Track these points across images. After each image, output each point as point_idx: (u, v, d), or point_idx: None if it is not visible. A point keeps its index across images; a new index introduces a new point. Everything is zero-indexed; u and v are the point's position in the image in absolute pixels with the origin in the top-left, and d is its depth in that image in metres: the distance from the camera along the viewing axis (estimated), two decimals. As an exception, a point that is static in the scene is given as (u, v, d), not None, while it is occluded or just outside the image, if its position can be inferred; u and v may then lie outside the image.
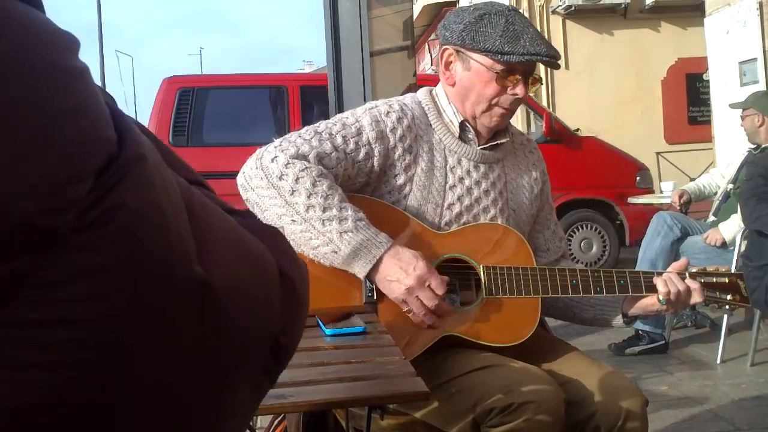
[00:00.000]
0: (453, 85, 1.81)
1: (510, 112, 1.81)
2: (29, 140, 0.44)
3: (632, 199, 5.42)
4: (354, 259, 1.60)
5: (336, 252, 1.60)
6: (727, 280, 1.84)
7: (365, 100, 3.25)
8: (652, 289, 1.75)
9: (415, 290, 1.60)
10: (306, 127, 1.75)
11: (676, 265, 1.83)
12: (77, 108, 0.47)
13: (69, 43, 0.49)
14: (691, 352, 4.33)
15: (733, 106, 4.63)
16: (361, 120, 1.74)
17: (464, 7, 1.82)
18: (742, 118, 4.46)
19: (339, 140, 1.70)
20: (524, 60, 1.72)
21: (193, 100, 6.96)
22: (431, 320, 1.64)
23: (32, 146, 0.44)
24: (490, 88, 1.75)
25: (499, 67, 1.73)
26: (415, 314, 1.63)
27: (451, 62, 1.81)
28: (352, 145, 1.71)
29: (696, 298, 1.77)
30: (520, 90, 1.76)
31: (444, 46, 1.82)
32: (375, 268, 1.61)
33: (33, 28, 0.47)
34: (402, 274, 1.60)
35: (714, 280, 1.83)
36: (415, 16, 10.13)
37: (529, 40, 1.71)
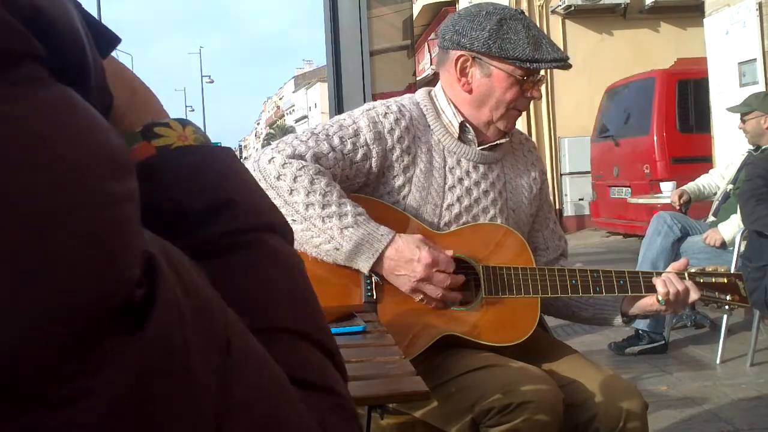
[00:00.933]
0: (469, 91, 1.80)
1: (521, 113, 1.85)
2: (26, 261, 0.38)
3: (632, 199, 5.41)
4: (356, 254, 1.60)
5: (338, 249, 1.60)
6: (725, 281, 1.84)
7: (365, 100, 3.25)
8: (651, 289, 1.76)
9: (428, 278, 1.62)
10: (303, 129, 1.76)
11: (675, 265, 1.83)
12: (89, 240, 0.41)
13: (114, 163, 0.45)
14: (691, 352, 4.33)
15: (732, 109, 4.60)
16: (358, 121, 1.74)
17: (472, 11, 1.79)
18: (744, 120, 4.44)
19: (336, 141, 1.70)
20: (551, 66, 1.76)
21: (691, 91, 7.51)
22: (451, 297, 1.66)
23: (29, 270, 0.38)
24: (510, 92, 1.77)
25: (519, 72, 1.74)
26: (432, 299, 1.65)
27: (466, 68, 1.79)
28: (349, 146, 1.70)
29: (694, 296, 1.77)
30: (536, 92, 1.81)
31: (458, 53, 1.78)
32: (379, 262, 1.62)
33: (74, 131, 0.43)
34: (408, 267, 1.61)
35: (713, 280, 1.83)
36: (414, 16, 10.14)
37: (548, 45, 1.75)
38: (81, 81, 0.48)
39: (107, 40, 0.56)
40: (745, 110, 4.42)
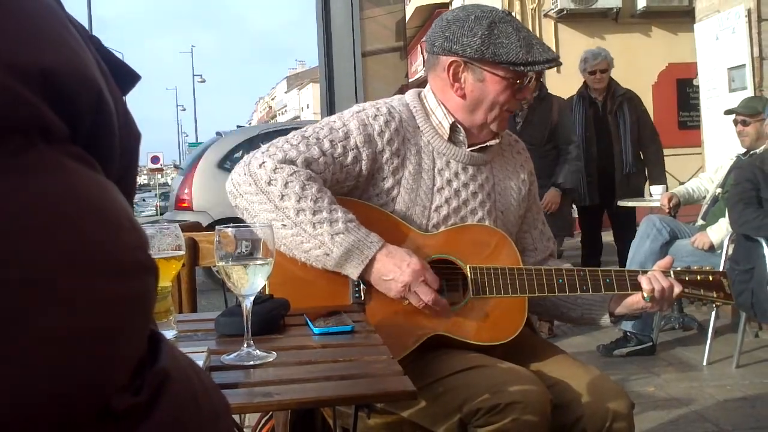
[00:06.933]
0: (463, 96, 1.80)
1: (512, 114, 1.86)
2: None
3: (622, 202, 5.43)
4: (346, 260, 1.60)
5: (328, 254, 1.60)
6: (710, 278, 1.86)
7: (357, 101, 3.25)
8: (638, 287, 1.77)
9: (412, 286, 1.61)
10: (293, 132, 1.75)
11: (660, 264, 1.85)
12: (52, 342, 0.41)
13: (112, 264, 0.45)
14: (678, 354, 4.35)
15: (730, 111, 4.58)
16: (348, 124, 1.74)
17: (460, 16, 1.78)
18: (747, 123, 4.42)
19: (326, 145, 1.70)
20: (545, 68, 1.76)
21: None
22: (431, 311, 1.65)
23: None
24: (503, 95, 1.77)
25: (512, 75, 1.75)
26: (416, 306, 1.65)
27: (458, 73, 1.79)
28: (339, 150, 1.71)
29: (677, 291, 1.78)
30: (528, 93, 1.81)
31: (450, 59, 1.78)
32: (368, 268, 1.62)
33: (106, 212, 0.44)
34: (397, 271, 1.61)
35: (698, 278, 1.85)
36: (407, 17, 10.12)
37: (539, 46, 1.75)
38: (98, 132, 0.48)
39: (127, 76, 0.56)
40: (748, 111, 4.39)
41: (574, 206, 5.59)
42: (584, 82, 5.56)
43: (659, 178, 5.52)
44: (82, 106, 0.46)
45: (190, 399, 0.50)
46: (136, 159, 0.56)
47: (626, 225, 5.56)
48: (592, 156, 5.30)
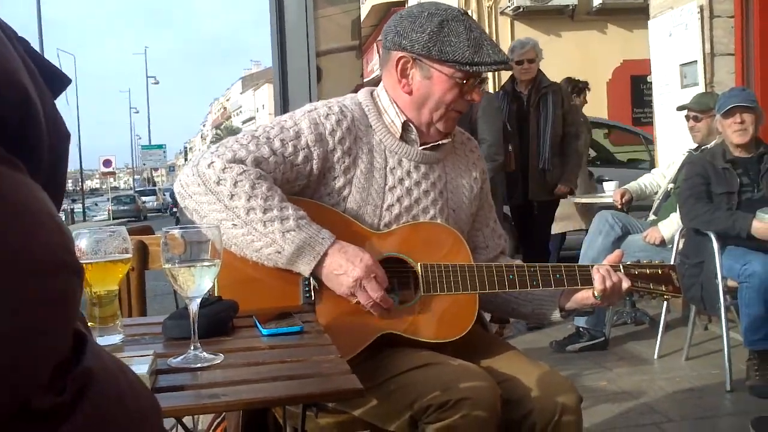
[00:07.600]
0: (410, 93, 1.80)
1: (461, 114, 1.86)
2: None
3: (574, 198, 5.49)
4: (298, 257, 1.60)
5: (280, 252, 1.60)
6: (660, 272, 1.89)
7: (311, 100, 3.25)
8: (588, 282, 1.79)
9: (362, 281, 1.61)
10: (243, 132, 1.74)
11: (610, 258, 1.87)
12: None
13: (32, 264, 0.45)
14: (630, 348, 4.43)
15: (682, 107, 4.65)
16: (299, 123, 1.74)
17: (414, 11, 1.79)
18: (699, 119, 4.45)
19: (277, 144, 1.69)
20: (491, 69, 1.76)
21: None
22: (378, 312, 1.66)
23: None
24: (450, 94, 1.77)
25: (459, 75, 1.75)
26: (363, 306, 1.65)
27: (407, 69, 1.79)
28: (290, 149, 1.70)
29: (626, 285, 1.80)
30: (476, 95, 1.81)
31: (399, 54, 1.78)
32: (320, 264, 1.61)
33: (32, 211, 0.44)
34: (350, 265, 1.61)
35: (648, 272, 1.88)
36: (363, 16, 10.10)
37: (490, 48, 1.74)
38: (24, 134, 0.47)
39: (57, 79, 0.56)
40: (701, 108, 4.44)
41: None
42: (511, 76, 5.35)
43: (569, 177, 5.22)
44: (6, 108, 0.46)
45: (115, 400, 0.50)
46: (65, 160, 0.56)
47: (540, 225, 5.31)
48: (513, 153, 4.97)
